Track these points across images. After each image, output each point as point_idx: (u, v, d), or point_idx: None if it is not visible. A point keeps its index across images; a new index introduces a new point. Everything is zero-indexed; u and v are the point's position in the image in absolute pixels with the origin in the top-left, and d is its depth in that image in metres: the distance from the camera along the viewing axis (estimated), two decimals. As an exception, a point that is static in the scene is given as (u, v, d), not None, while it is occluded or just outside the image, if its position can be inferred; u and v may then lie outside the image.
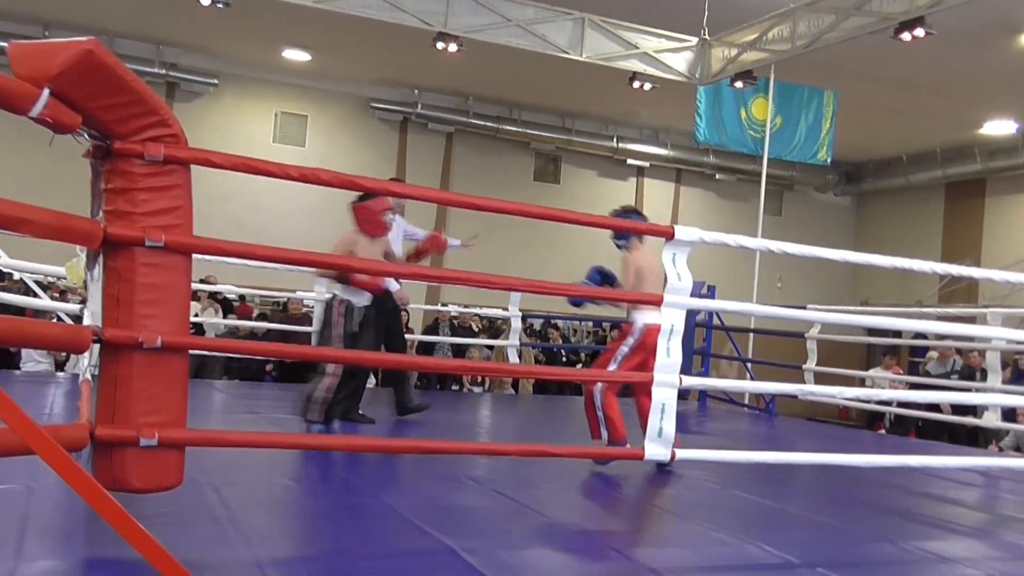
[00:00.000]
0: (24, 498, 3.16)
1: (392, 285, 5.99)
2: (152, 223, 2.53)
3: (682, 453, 3.24)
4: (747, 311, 3.46)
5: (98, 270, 6.29)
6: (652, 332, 4.10)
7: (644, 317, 4.41)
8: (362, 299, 5.17)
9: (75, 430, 2.41)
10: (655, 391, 3.19)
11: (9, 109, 2.23)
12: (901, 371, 10.03)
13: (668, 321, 3.23)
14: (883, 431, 9.75)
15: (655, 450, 3.19)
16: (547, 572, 2.83)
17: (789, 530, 3.70)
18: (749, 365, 10.07)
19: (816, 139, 13.16)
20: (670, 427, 3.18)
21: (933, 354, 11.00)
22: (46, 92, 2.24)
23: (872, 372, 9.51)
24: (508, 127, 16.27)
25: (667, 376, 3.21)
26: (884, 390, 6.60)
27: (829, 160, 13.77)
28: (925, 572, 3.14)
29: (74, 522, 3.01)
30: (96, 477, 2.45)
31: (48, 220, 2.33)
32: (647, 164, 17.70)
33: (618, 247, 4.70)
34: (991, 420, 6.00)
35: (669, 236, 3.26)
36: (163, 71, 13.80)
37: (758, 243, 3.38)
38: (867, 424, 11.33)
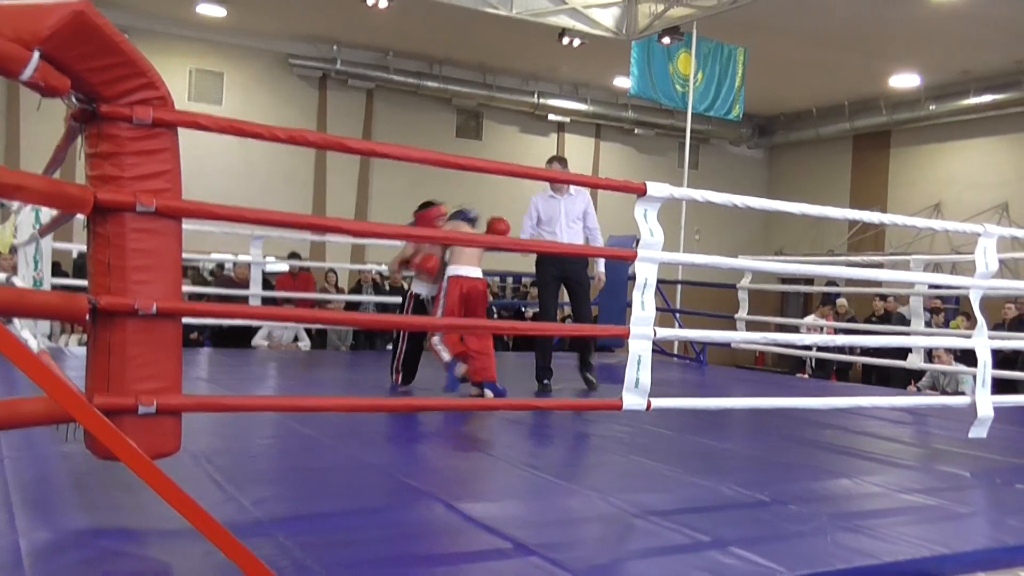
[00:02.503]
0: (-3, 472, 3.10)
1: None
2: (142, 187, 2.47)
3: (656, 403, 3.36)
4: (714, 264, 3.59)
5: (39, 241, 6.01)
6: (453, 280, 5.58)
7: (451, 271, 5.64)
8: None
9: (73, 400, 2.37)
10: (631, 343, 3.30)
11: (-1, 72, 2.15)
12: (833, 319, 10.44)
13: (642, 275, 3.32)
14: (807, 375, 10.19)
15: (633, 400, 3.30)
16: (536, 521, 2.92)
17: (752, 471, 3.91)
18: (678, 316, 10.35)
19: (730, 95, 13.47)
20: (646, 378, 3.29)
21: (843, 301, 11.53)
22: (36, 55, 2.16)
23: (808, 320, 9.89)
24: (429, 83, 16.12)
25: (642, 328, 3.31)
26: (835, 336, 6.82)
27: (741, 115, 14.13)
28: (886, 503, 3.36)
29: (57, 493, 2.98)
30: (91, 448, 2.42)
31: (41, 186, 2.28)
32: (568, 119, 17.82)
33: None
34: (915, 362, 6.37)
35: (641, 193, 3.34)
36: (67, 26, 13.16)
37: (724, 198, 3.49)
38: (790, 370, 11.80)
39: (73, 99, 2.43)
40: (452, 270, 5.68)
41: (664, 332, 3.44)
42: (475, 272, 5.69)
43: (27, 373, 1.64)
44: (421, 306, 5.98)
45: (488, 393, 5.30)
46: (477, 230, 5.92)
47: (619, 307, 9.10)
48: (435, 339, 5.64)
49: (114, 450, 1.70)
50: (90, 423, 1.66)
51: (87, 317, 2.40)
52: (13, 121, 13.41)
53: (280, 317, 6.17)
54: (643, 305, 3.33)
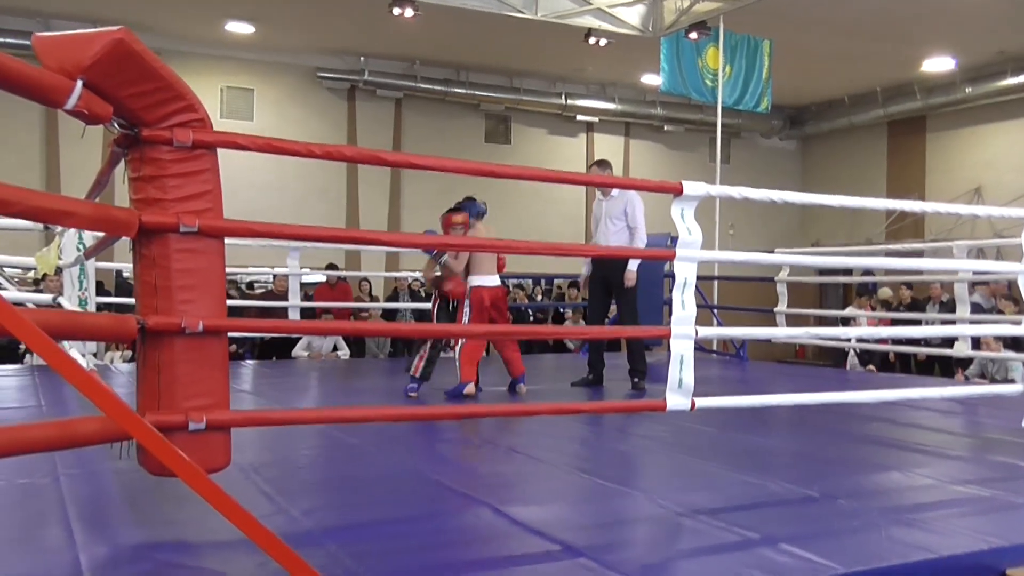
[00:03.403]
0: (54, 490, 3.17)
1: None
2: (184, 208, 2.52)
3: (700, 402, 3.35)
4: (756, 260, 3.57)
5: (84, 262, 6.12)
6: (477, 291, 5.75)
7: (473, 281, 5.81)
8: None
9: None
10: (673, 343, 3.29)
11: (44, 102, 2.21)
12: (872, 308, 10.29)
13: (682, 275, 3.31)
14: (875, 369, 10.03)
15: (676, 400, 3.29)
16: (584, 522, 2.92)
17: (798, 467, 3.87)
18: (716, 312, 10.28)
19: (759, 88, 13.35)
20: (689, 378, 3.28)
21: (886, 290, 11.34)
22: (79, 84, 2.21)
23: (848, 311, 9.76)
24: (457, 89, 16.17)
25: (684, 328, 3.30)
26: (882, 327, 6.69)
27: (770, 108, 14.00)
28: (939, 495, 3.32)
29: (112, 508, 3.04)
30: (145, 465, 2.47)
31: (89, 212, 2.33)
32: (596, 119, 17.78)
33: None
34: (962, 350, 6.26)
35: (677, 192, 3.33)
36: (101, 50, 13.39)
37: (762, 194, 3.47)
38: (833, 362, 11.64)
39: (115, 125, 2.49)
40: (473, 280, 5.85)
41: (706, 331, 3.43)
42: (494, 280, 5.92)
43: (85, 393, 1.68)
44: (447, 306, 6.17)
45: (521, 387, 5.94)
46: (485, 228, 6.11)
47: (655, 306, 9.06)
48: (459, 349, 5.81)
49: (170, 465, 1.73)
50: (147, 440, 1.70)
51: (136, 337, 2.45)
52: (52, 150, 13.68)
53: (322, 330, 6.23)
54: (683, 304, 3.32)
